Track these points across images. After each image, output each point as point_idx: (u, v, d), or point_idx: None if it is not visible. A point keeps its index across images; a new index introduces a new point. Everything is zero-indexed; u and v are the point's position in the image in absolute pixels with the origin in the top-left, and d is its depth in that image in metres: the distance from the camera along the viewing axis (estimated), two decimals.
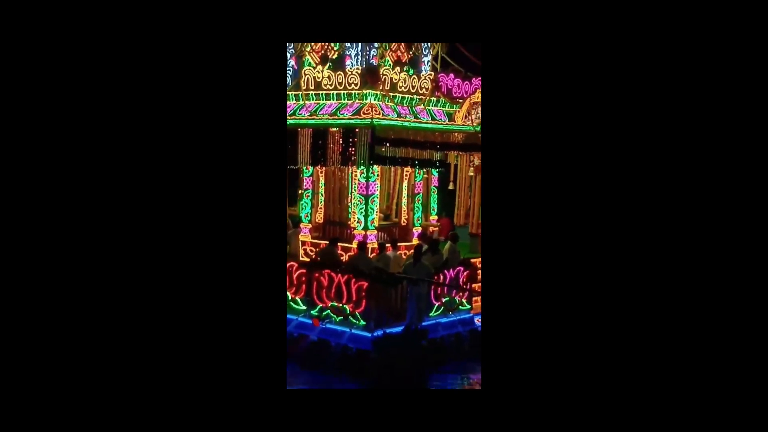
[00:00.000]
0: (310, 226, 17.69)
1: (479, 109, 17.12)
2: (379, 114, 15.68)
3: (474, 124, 17.37)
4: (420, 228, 18.09)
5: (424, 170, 17.86)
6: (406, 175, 17.93)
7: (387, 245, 16.18)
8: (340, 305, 15.06)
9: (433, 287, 15.77)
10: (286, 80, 16.65)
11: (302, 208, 17.70)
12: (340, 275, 15.04)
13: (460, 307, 16.48)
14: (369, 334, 14.62)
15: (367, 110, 15.71)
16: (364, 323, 14.81)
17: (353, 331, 14.82)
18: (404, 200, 17.99)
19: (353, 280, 14.82)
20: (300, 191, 17.82)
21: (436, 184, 19.22)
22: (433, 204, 19.27)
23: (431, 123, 16.83)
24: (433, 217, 19.27)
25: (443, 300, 16.11)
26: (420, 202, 18.04)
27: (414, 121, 16.43)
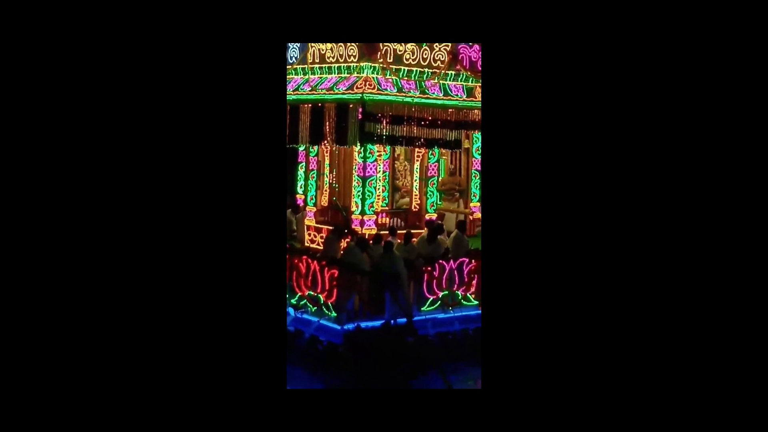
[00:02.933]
0: (314, 209, 17.10)
1: None
2: (373, 88, 15.16)
3: None
4: (434, 214, 17.22)
5: (439, 151, 17.19)
6: (418, 157, 17.09)
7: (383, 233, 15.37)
8: (315, 294, 14.55)
9: (426, 278, 15.05)
10: (296, 54, 16.21)
11: (308, 191, 17.15)
12: (315, 263, 14.40)
13: (464, 302, 15.65)
14: (339, 327, 14.13)
15: (360, 84, 15.14)
16: (336, 315, 14.34)
17: (322, 321, 14.35)
18: (415, 183, 17.14)
19: (326, 268, 14.11)
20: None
21: (479, 168, 18.03)
22: (475, 190, 18.39)
23: (443, 99, 16.03)
24: (475, 204, 18.42)
25: (440, 293, 15.30)
26: (435, 185, 17.22)
27: (420, 97, 15.71)
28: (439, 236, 15.85)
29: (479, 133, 17.55)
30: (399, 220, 16.80)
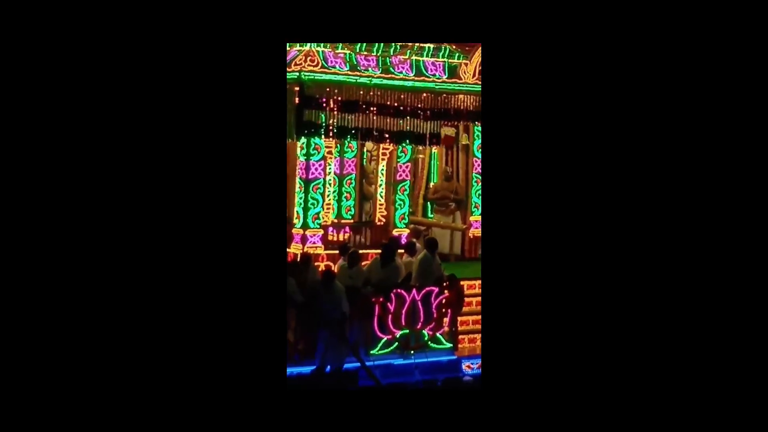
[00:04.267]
0: None
1: None
2: (316, 65, 12.47)
3: None
4: (405, 229, 14.27)
5: (413, 148, 14.33)
6: (384, 156, 14.14)
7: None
8: None
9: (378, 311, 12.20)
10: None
11: None
12: None
13: (431, 344, 12.62)
14: None
15: (299, 60, 12.51)
16: None
17: None
18: (380, 190, 14.23)
19: None
20: None
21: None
22: (477, 199, 15.29)
23: (414, 80, 13.22)
24: (477, 218, 15.29)
25: (397, 333, 12.31)
26: (406, 192, 14.22)
27: (381, 77, 12.96)
28: (410, 257, 12.98)
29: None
30: (362, 238, 14.03)
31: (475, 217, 15.20)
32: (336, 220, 13.80)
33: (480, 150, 15.05)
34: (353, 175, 13.91)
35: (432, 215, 15.66)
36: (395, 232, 14.00)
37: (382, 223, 14.18)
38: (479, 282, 12.87)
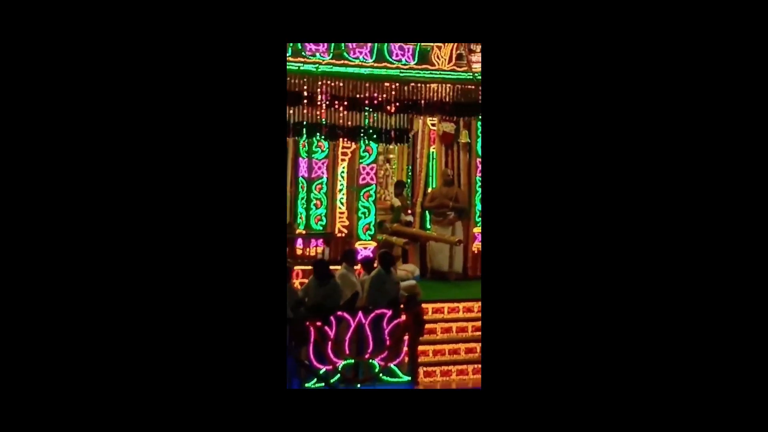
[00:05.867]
0: None
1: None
2: None
3: (473, 69, 12.30)
4: (371, 242, 12.94)
5: (381, 148, 13.34)
6: (345, 156, 12.89)
7: None
8: None
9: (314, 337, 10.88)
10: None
11: None
12: None
13: (383, 377, 11.23)
14: None
15: None
16: None
17: None
18: (340, 196, 12.92)
19: None
20: None
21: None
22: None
23: (373, 67, 12.11)
24: (480, 230, 13.97)
25: (339, 363, 10.96)
26: (371, 198, 12.91)
27: (331, 64, 11.92)
28: (367, 274, 11.57)
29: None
30: (328, 250, 12.82)
31: (479, 229, 13.79)
32: (303, 231, 12.66)
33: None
34: (324, 179, 12.82)
35: (430, 227, 14.11)
36: (359, 245, 12.67)
37: (343, 235, 12.90)
38: (464, 305, 12.26)
